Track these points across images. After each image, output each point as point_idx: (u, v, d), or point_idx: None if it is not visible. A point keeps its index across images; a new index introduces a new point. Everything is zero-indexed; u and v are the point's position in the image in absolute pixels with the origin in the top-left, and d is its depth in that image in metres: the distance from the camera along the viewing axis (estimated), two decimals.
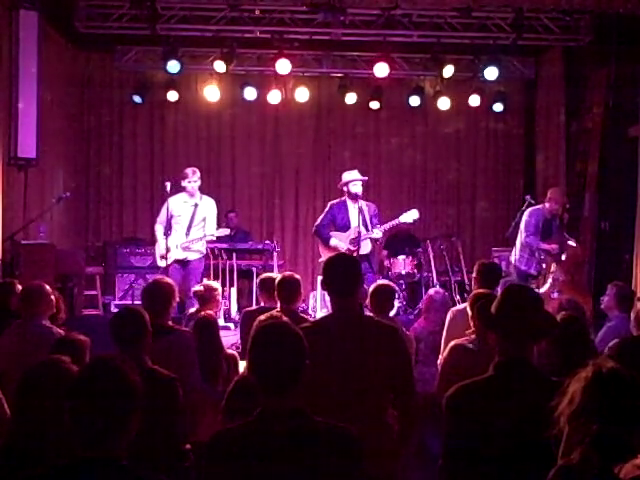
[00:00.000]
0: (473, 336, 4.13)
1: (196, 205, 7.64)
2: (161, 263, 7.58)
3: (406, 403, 3.10)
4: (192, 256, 7.66)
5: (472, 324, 4.24)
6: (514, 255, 7.66)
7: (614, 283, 5.49)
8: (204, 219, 7.69)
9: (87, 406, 1.90)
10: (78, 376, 1.99)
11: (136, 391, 1.96)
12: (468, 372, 2.71)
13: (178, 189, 7.70)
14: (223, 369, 4.37)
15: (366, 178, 8.01)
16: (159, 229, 7.67)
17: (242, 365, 4.56)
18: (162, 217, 7.66)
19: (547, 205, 7.50)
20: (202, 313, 4.75)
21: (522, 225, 7.53)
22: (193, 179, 7.58)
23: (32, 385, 2.49)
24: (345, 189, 7.80)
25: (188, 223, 7.61)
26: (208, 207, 7.74)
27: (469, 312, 4.23)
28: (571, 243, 7.51)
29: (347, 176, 7.85)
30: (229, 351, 4.58)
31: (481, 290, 4.53)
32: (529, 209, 7.55)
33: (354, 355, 2.96)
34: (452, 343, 4.19)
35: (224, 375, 4.38)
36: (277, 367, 2.17)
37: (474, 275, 5.22)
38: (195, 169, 7.71)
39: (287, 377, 2.18)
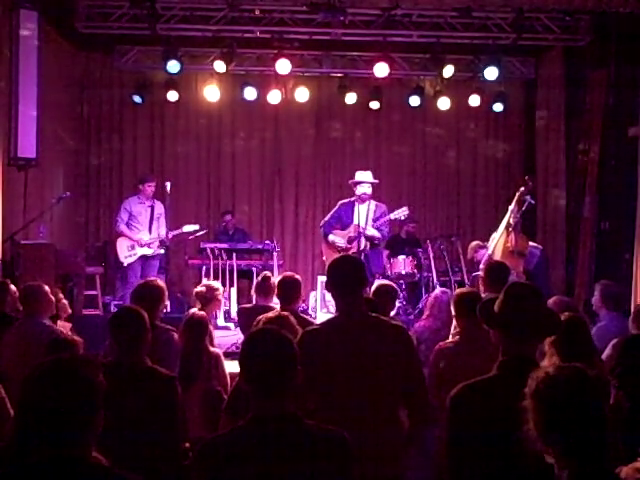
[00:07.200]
0: (457, 337, 4.11)
1: (152, 206, 8.56)
2: (127, 260, 8.40)
3: (417, 402, 3.07)
4: (157, 251, 8.51)
5: (455, 323, 4.22)
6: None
7: (600, 282, 5.43)
8: (158, 218, 8.57)
9: (48, 406, 1.88)
10: (37, 376, 1.95)
11: (98, 390, 1.95)
12: (452, 374, 2.65)
13: (135, 192, 8.90)
14: (204, 368, 4.39)
15: (376, 181, 8.06)
16: (125, 228, 8.48)
17: (227, 364, 4.61)
18: (125, 217, 8.51)
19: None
20: (194, 312, 4.76)
21: None
22: (153, 184, 8.57)
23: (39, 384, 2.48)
24: (354, 189, 7.85)
25: (149, 222, 8.50)
26: (161, 208, 8.61)
27: None
28: None
29: (356, 176, 7.91)
30: (212, 349, 4.58)
31: (465, 290, 4.44)
32: None
33: (363, 356, 2.95)
34: (436, 347, 4.14)
35: (205, 374, 4.40)
36: (267, 373, 2.19)
37: (482, 275, 5.14)
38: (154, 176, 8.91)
39: (277, 382, 2.19)
